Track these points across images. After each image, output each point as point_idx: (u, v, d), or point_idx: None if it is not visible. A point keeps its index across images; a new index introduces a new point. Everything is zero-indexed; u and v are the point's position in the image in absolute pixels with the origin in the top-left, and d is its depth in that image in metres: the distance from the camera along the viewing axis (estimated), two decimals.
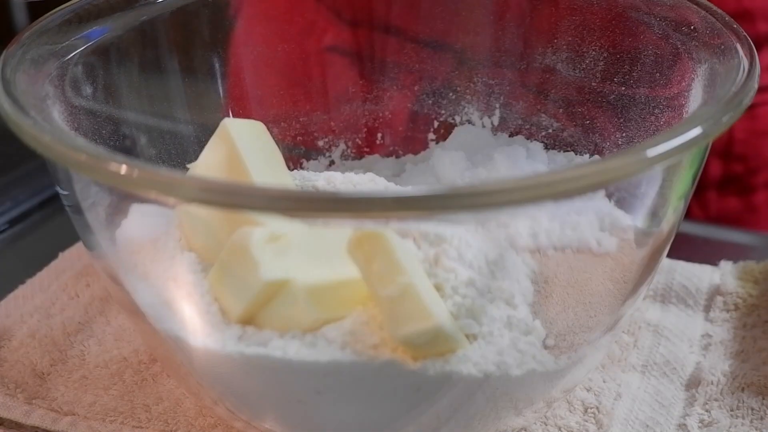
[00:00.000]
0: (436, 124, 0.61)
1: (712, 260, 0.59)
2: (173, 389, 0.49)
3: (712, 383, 0.50)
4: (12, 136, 0.38)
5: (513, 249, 0.46)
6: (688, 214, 0.72)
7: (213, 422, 0.47)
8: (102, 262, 0.44)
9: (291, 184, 0.48)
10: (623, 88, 0.53)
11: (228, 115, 0.58)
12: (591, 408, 0.48)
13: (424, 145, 0.61)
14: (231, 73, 0.58)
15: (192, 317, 0.42)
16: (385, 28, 0.61)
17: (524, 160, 0.56)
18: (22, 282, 0.58)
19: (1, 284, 0.58)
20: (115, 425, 0.47)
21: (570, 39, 0.55)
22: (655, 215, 0.42)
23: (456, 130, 0.60)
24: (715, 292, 0.57)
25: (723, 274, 0.58)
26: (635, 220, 0.43)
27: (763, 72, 0.42)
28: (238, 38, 0.60)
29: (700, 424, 0.47)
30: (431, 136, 0.61)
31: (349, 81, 0.61)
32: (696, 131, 0.36)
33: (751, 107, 0.72)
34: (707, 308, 0.56)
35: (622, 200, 0.44)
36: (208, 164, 0.45)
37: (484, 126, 0.60)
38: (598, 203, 0.46)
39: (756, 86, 0.40)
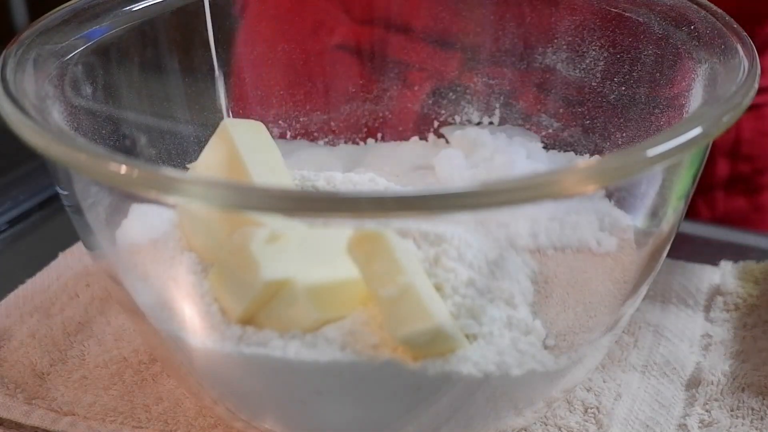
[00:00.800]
0: (436, 124, 0.61)
1: (713, 260, 0.59)
2: (173, 389, 0.49)
3: (712, 383, 0.50)
4: (12, 136, 0.38)
5: (513, 249, 0.46)
6: (696, 214, 0.72)
7: (213, 422, 0.47)
8: (102, 263, 0.44)
9: (291, 184, 0.48)
10: (623, 88, 0.53)
11: (228, 115, 0.58)
12: (591, 408, 0.48)
13: None
14: (234, 72, 0.58)
15: (192, 317, 0.42)
16: (395, 26, 0.61)
17: (524, 160, 0.56)
18: (22, 282, 0.58)
19: (1, 284, 0.58)
20: (114, 425, 0.47)
21: (570, 39, 0.55)
22: (655, 215, 0.42)
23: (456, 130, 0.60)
24: (715, 292, 0.57)
25: (723, 274, 0.58)
26: (635, 220, 0.43)
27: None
28: (243, 37, 0.60)
29: (700, 425, 0.47)
30: (431, 136, 0.61)
31: (351, 80, 0.61)
32: (696, 131, 0.36)
33: (758, 107, 0.72)
34: (707, 308, 0.56)
35: (622, 200, 0.44)
36: (208, 164, 0.45)
37: (484, 126, 0.60)
38: (598, 203, 0.46)
39: (756, 86, 0.40)
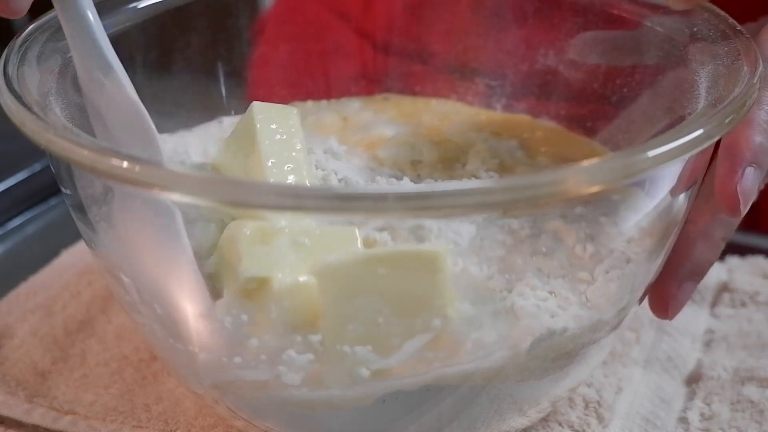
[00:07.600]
0: None
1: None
2: (173, 388, 0.49)
3: (712, 378, 0.50)
4: (13, 135, 0.38)
5: (517, 249, 0.46)
6: None
7: (213, 422, 0.47)
8: (103, 260, 0.44)
9: (304, 176, 0.47)
10: (625, 90, 0.53)
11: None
12: (592, 403, 0.48)
13: None
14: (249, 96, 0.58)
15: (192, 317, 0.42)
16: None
17: None
18: (24, 279, 0.58)
19: (3, 282, 0.58)
20: (115, 425, 0.47)
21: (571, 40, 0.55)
22: (657, 213, 0.42)
23: None
24: (723, 288, 0.57)
25: (730, 270, 0.58)
26: (637, 219, 0.43)
27: None
28: (257, 61, 0.60)
29: (700, 418, 0.48)
30: None
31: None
32: (698, 133, 0.36)
33: None
34: (713, 304, 0.56)
35: (623, 199, 0.44)
36: (230, 149, 0.45)
37: None
38: (601, 202, 0.46)
39: (758, 86, 0.40)
